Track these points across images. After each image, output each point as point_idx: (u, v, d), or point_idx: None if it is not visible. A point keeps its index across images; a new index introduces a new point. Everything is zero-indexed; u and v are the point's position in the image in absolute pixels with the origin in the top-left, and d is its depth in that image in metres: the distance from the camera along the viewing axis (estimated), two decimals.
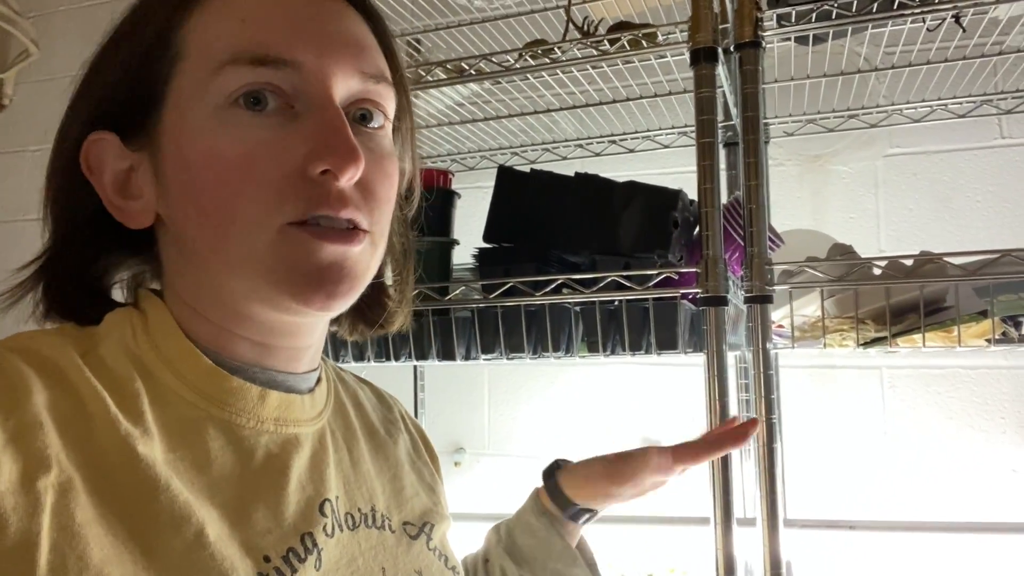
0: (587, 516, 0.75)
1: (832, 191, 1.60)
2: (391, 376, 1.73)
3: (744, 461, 1.34)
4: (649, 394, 1.62)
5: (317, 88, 0.46)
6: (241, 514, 0.44)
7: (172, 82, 0.46)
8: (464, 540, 0.93)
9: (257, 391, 0.48)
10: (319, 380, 0.55)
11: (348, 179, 0.45)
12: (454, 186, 1.15)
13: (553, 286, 0.97)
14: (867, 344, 0.88)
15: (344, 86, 0.47)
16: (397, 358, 1.08)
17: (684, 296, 0.94)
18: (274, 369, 0.51)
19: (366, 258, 0.48)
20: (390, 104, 0.51)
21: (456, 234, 1.15)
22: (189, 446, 0.45)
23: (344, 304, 0.48)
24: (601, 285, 0.95)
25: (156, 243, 0.52)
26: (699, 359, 0.89)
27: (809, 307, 0.95)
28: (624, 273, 0.93)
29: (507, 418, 1.84)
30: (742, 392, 1.37)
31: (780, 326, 1.01)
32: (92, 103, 0.49)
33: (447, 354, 1.05)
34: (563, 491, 0.74)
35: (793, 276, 0.92)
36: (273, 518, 0.46)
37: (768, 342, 0.88)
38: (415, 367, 1.56)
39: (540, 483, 0.77)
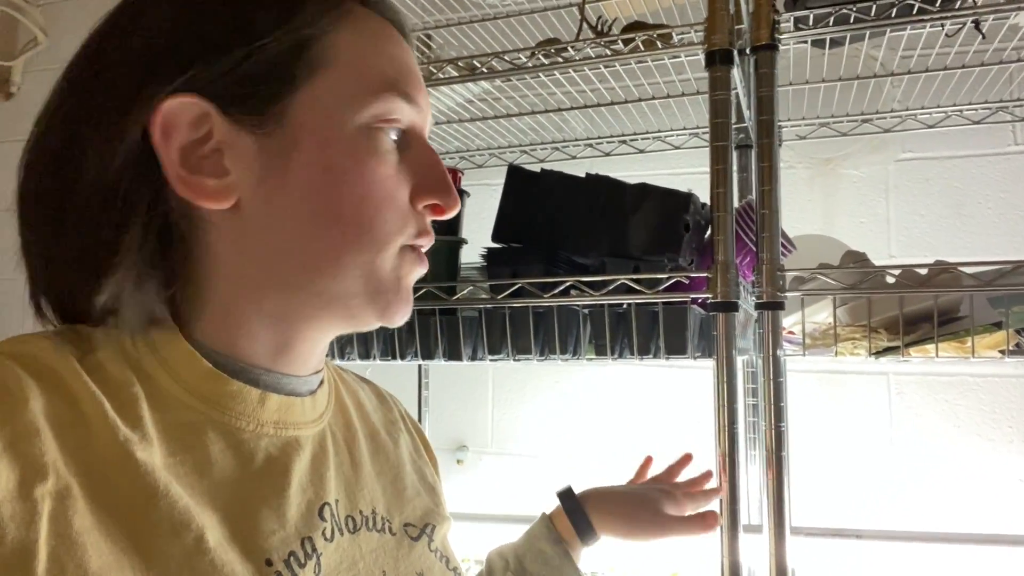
0: (596, 542, 0.78)
1: (843, 195, 1.59)
2: (395, 373, 1.72)
3: (750, 467, 1.33)
4: (654, 394, 1.62)
5: (421, 130, 0.52)
6: (242, 518, 0.44)
7: (311, 81, 0.47)
8: (465, 541, 0.92)
9: (257, 394, 0.48)
10: (321, 382, 0.55)
11: (448, 217, 0.52)
12: (463, 184, 1.14)
13: (562, 288, 0.96)
14: (879, 353, 0.87)
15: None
16: (403, 357, 1.07)
17: (694, 301, 0.93)
18: (279, 371, 0.50)
19: None
20: None
21: (464, 232, 1.14)
22: (189, 450, 0.44)
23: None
24: (610, 288, 0.94)
25: (184, 230, 0.48)
26: (707, 361, 0.88)
27: (821, 314, 0.94)
28: (634, 276, 0.92)
29: (511, 416, 1.83)
30: (750, 397, 1.36)
31: (791, 333, 1.00)
32: (192, 65, 0.45)
33: (453, 354, 1.04)
34: (592, 526, 0.77)
35: (805, 283, 0.91)
36: (275, 521, 0.45)
37: (778, 349, 0.87)
38: (419, 365, 1.55)
39: (551, 507, 0.79)
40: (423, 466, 0.65)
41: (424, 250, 0.53)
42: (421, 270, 0.53)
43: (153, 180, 0.45)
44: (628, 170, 1.50)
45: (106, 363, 0.44)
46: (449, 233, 1.08)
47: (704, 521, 0.80)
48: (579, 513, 0.76)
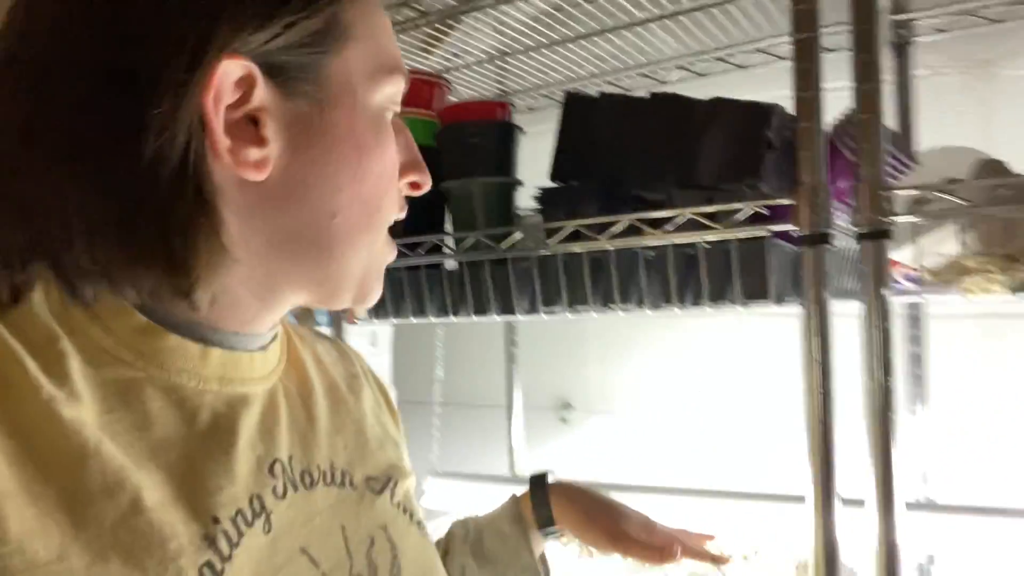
0: (558, 534, 0.76)
1: (1004, 103, 1.31)
2: (481, 330, 1.64)
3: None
4: (778, 346, 1.43)
5: (399, 112, 0.52)
6: (187, 477, 0.42)
7: (341, 54, 0.46)
8: None
9: (198, 349, 0.46)
10: (274, 338, 0.53)
11: (422, 193, 0.54)
12: (536, 125, 1.02)
13: (620, 228, 0.83)
14: (1022, 288, 0.67)
15: None
16: (456, 313, 0.98)
17: (777, 234, 0.76)
18: (226, 330, 0.48)
19: None
20: None
21: (529, 178, 1.02)
22: (126, 407, 0.42)
23: None
24: (676, 225, 0.80)
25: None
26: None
27: (947, 243, 0.74)
28: (701, 209, 0.77)
29: (619, 373, 1.72)
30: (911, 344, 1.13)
31: (913, 269, 0.80)
32: (242, 28, 0.42)
33: (506, 308, 0.94)
34: (551, 513, 0.75)
35: (927, 204, 0.71)
36: (223, 478, 0.44)
37: (885, 289, 0.69)
38: (507, 322, 1.46)
39: (525, 490, 0.77)
40: (386, 421, 0.64)
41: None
42: (394, 254, 0.54)
43: (201, 148, 0.43)
44: (731, 93, 1.30)
45: (29, 319, 0.42)
46: (500, 174, 0.97)
47: (661, 554, 0.74)
48: (543, 500, 0.75)
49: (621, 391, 1.76)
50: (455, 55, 1.26)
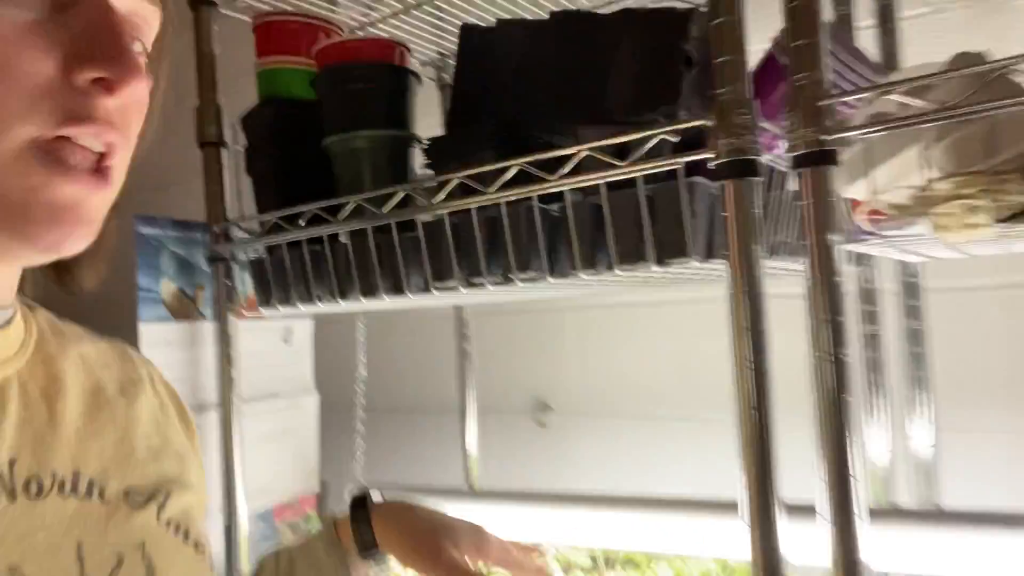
0: (381, 558, 0.69)
1: (1017, 40, 1.13)
2: (430, 320, 1.48)
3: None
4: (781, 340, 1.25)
5: None
6: None
7: None
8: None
9: None
10: (10, 323, 0.47)
11: (126, 94, 0.41)
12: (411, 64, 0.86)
13: (509, 176, 0.67)
14: (1013, 218, 0.49)
15: None
16: (344, 297, 0.83)
17: (695, 170, 0.59)
18: None
19: (107, 202, 0.44)
20: (153, 30, 0.46)
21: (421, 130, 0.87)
22: None
23: (76, 250, 0.43)
24: (571, 167, 0.63)
25: None
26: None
27: (914, 170, 0.56)
28: (597, 144, 0.61)
29: (606, 368, 1.55)
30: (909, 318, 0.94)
31: (875, 211, 0.62)
32: None
33: (396, 287, 0.78)
34: (373, 536, 0.69)
35: (889, 120, 0.54)
36: None
37: (830, 233, 0.52)
38: (457, 309, 1.30)
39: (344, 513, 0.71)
40: (170, 431, 0.58)
41: (86, 143, 0.40)
42: (75, 177, 0.40)
43: None
44: None
45: None
46: (391, 127, 0.81)
47: None
48: (364, 522, 0.69)
49: (607, 390, 1.59)
50: (369, 6, 1.10)
